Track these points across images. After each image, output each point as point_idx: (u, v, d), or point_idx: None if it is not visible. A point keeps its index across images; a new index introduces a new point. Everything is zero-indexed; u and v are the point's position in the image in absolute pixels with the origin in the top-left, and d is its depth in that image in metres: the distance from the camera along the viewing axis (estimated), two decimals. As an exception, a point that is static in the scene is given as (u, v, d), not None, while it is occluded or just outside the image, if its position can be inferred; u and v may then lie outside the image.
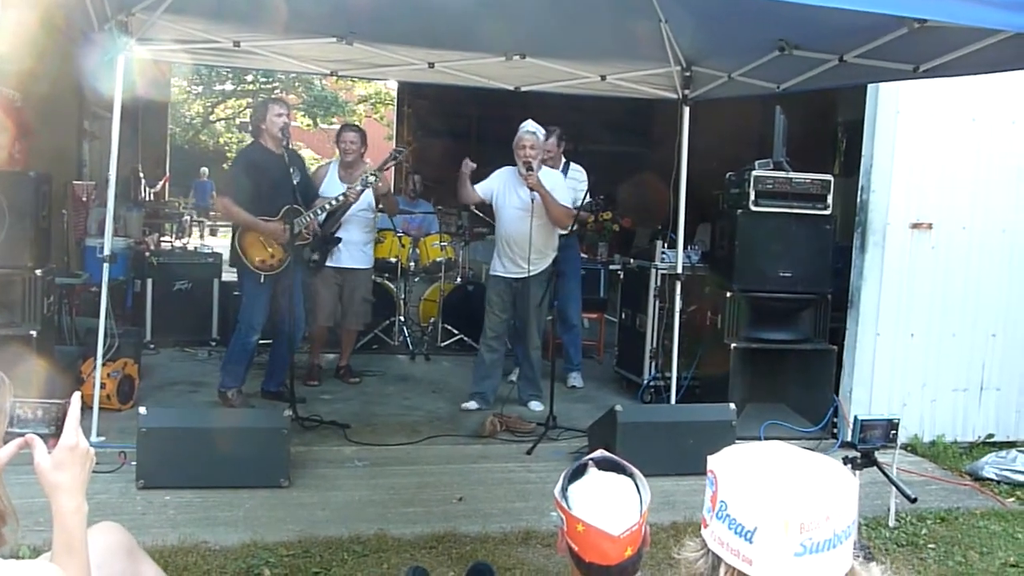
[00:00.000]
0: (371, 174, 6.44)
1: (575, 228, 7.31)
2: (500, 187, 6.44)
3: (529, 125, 6.24)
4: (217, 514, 4.39)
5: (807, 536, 1.27)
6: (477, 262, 9.37)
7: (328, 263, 6.76)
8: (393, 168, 9.61)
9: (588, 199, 6.47)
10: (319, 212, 6.30)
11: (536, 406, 6.51)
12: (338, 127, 7.90)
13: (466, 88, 6.71)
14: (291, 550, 3.98)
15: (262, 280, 6.06)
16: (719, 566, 1.33)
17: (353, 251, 6.93)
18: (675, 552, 1.42)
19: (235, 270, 6.34)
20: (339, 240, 6.70)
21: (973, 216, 6.23)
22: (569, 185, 6.78)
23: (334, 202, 6.37)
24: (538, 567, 3.96)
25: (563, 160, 7.12)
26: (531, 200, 6.12)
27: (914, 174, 6.11)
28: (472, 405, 6.57)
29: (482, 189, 6.48)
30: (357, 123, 8.86)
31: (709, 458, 1.40)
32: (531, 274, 6.31)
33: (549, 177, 6.32)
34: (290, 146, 6.27)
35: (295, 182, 5.98)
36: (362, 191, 6.43)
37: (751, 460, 1.37)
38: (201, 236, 12.69)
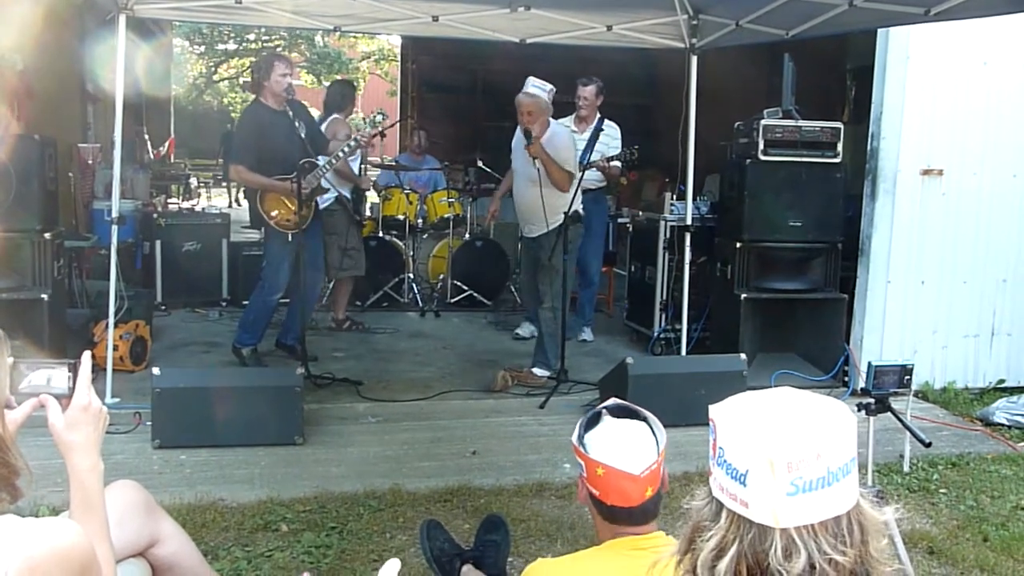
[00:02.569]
0: (379, 112, 6.69)
1: (606, 184, 7.30)
2: (515, 149, 6.31)
3: (528, 86, 5.99)
4: (233, 472, 4.43)
5: (797, 475, 1.27)
6: (485, 218, 9.34)
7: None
8: (398, 125, 9.55)
9: (623, 153, 6.46)
10: (333, 162, 6.27)
11: (539, 372, 6.22)
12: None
13: (471, 42, 6.63)
14: (307, 506, 4.02)
15: (290, 239, 6.04)
16: (721, 511, 1.34)
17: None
18: (684, 503, 1.43)
19: (260, 232, 6.38)
20: (368, 188, 6.76)
21: (984, 162, 6.17)
22: (603, 141, 6.70)
23: (347, 148, 6.32)
24: (552, 518, 4.00)
25: (597, 115, 6.94)
26: (536, 169, 5.93)
27: (924, 120, 6.05)
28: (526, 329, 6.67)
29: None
30: (350, 80, 8.96)
31: (711, 407, 1.40)
32: (543, 233, 6.13)
33: (553, 138, 6.03)
34: (300, 102, 6.25)
35: (302, 135, 5.96)
36: (372, 132, 6.71)
37: (747, 405, 1.37)
38: (209, 198, 12.67)
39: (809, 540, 1.26)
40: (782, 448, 1.28)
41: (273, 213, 6.03)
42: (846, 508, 1.30)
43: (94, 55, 8.66)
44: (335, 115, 7.32)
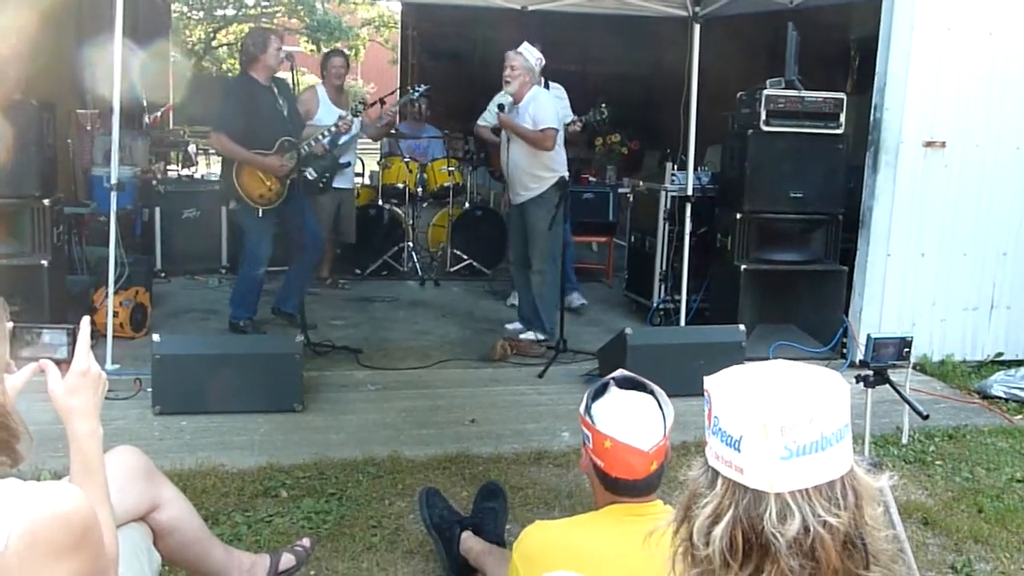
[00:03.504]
0: (359, 102, 6.90)
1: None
2: (490, 116, 6.48)
3: (520, 46, 6.15)
4: (233, 438, 4.45)
5: (790, 439, 1.28)
6: (485, 187, 9.32)
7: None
8: (397, 93, 9.49)
9: (591, 115, 6.47)
10: (312, 144, 6.35)
11: (527, 335, 6.28)
12: (335, 54, 7.99)
13: (471, 8, 6.60)
14: (307, 472, 4.05)
15: (260, 215, 6.05)
16: (716, 479, 1.35)
17: (342, 173, 7.32)
18: (681, 475, 1.44)
19: (234, 204, 6.38)
20: (349, 164, 6.77)
21: (987, 134, 6.14)
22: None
23: (326, 132, 6.51)
24: (550, 486, 4.03)
25: (542, 79, 6.98)
26: (506, 136, 6.20)
27: (928, 91, 6.01)
28: (514, 327, 6.56)
29: (485, 121, 6.52)
30: (344, 50, 8.99)
31: (705, 378, 1.41)
32: (527, 199, 6.24)
33: (535, 97, 6.17)
34: (294, 71, 6.25)
35: (284, 113, 6.02)
36: (352, 120, 6.74)
37: (741, 375, 1.39)
38: (208, 165, 12.60)
39: (803, 504, 1.28)
40: (775, 412, 1.29)
41: (248, 188, 6.02)
42: (840, 473, 1.31)
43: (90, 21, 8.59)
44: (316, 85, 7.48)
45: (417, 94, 7.02)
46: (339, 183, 7.26)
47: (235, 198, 6.13)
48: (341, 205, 7.58)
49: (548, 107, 6.18)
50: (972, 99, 6.07)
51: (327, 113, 7.08)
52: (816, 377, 1.36)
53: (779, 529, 1.27)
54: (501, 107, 6.14)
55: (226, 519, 3.57)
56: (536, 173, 6.16)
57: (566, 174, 6.21)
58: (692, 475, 1.41)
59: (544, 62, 6.25)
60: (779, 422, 1.28)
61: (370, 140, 8.34)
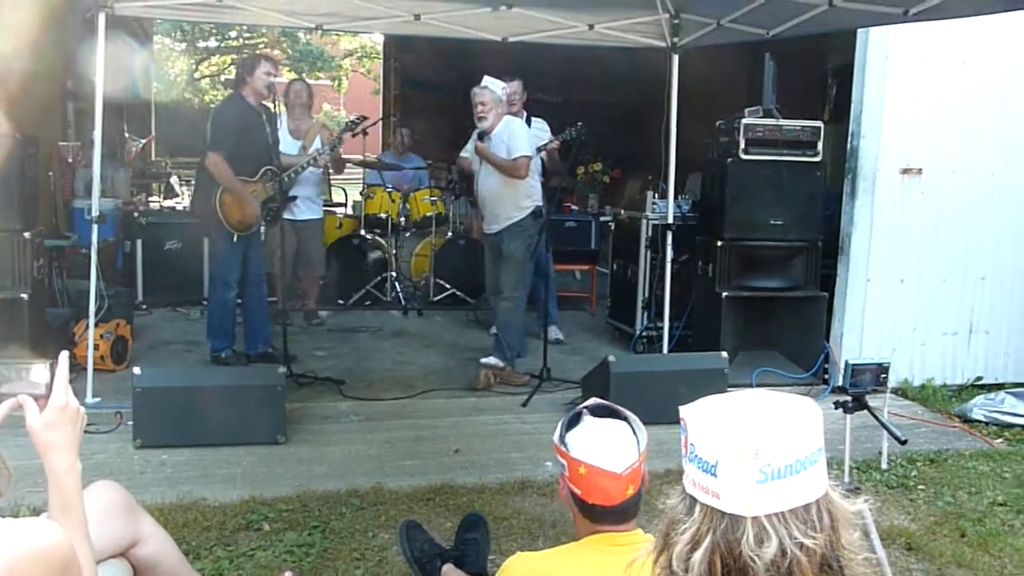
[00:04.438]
0: (339, 138, 6.91)
1: (544, 180, 7.31)
2: (471, 150, 6.49)
3: (483, 80, 6.22)
4: (215, 471, 4.42)
5: (764, 462, 1.30)
6: (467, 216, 9.34)
7: (284, 216, 6.66)
8: (380, 123, 9.55)
9: (568, 132, 6.56)
10: (292, 176, 6.37)
11: (493, 361, 6.13)
12: (296, 80, 7.99)
13: (453, 40, 6.64)
14: (289, 505, 4.02)
15: (235, 240, 6.05)
16: (694, 506, 1.36)
17: (307, 204, 7.21)
18: (660, 503, 1.46)
19: (205, 227, 6.36)
20: (295, 198, 6.71)
21: (963, 160, 6.22)
22: (533, 135, 6.91)
23: (306, 164, 6.53)
24: (534, 516, 4.02)
25: (524, 114, 7.09)
26: (480, 165, 6.28)
27: (904, 119, 6.09)
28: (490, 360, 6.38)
29: (468, 152, 6.58)
30: (306, 80, 9.04)
31: (681, 408, 1.44)
32: (503, 228, 6.23)
33: (508, 126, 6.21)
34: (274, 102, 6.22)
35: (270, 141, 6.04)
36: (331, 154, 6.75)
37: (715, 402, 1.41)
38: (190, 196, 12.60)
39: (780, 527, 1.29)
40: (749, 436, 1.31)
41: (228, 213, 6.00)
42: (815, 496, 1.33)
43: (76, 53, 8.61)
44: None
45: (339, 141, 6.90)
46: (303, 214, 7.14)
47: (213, 221, 6.06)
48: (300, 237, 7.24)
49: (521, 135, 6.22)
50: (947, 126, 6.16)
51: (284, 143, 6.76)
52: (789, 402, 1.38)
53: (757, 552, 1.28)
54: (481, 136, 6.17)
55: (208, 554, 3.54)
56: (512, 202, 6.19)
57: (542, 204, 6.24)
58: (670, 503, 1.42)
59: (507, 89, 6.32)
60: (754, 446, 1.30)
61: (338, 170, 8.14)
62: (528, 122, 7.09)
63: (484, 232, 6.58)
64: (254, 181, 6.04)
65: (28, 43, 7.02)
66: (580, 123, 6.75)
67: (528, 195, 6.23)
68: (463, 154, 6.89)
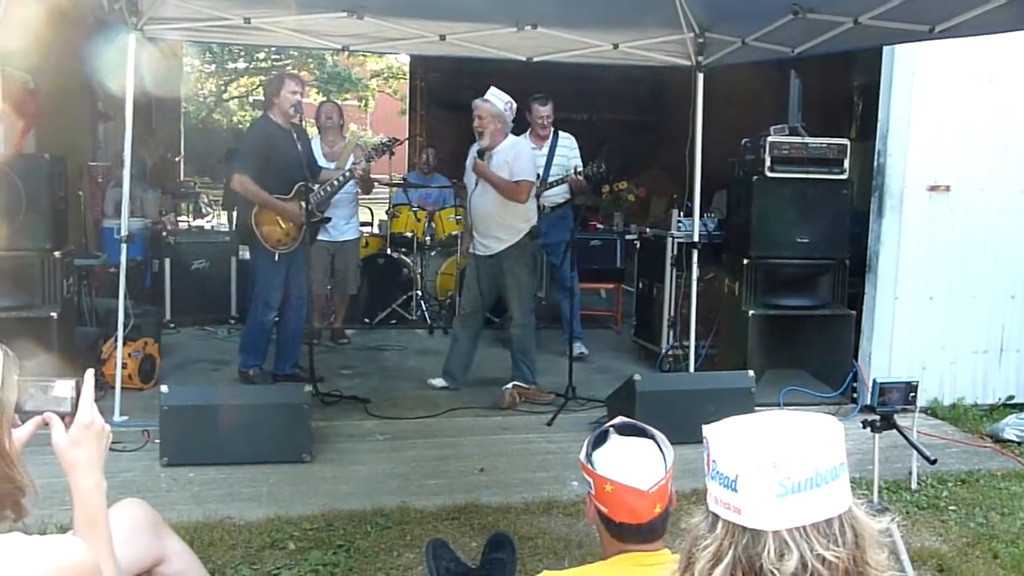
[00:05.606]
0: (373, 149, 6.78)
1: (570, 198, 7.33)
2: (467, 168, 6.26)
3: (487, 93, 6.06)
4: (241, 490, 4.44)
5: (784, 475, 1.30)
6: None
7: (320, 237, 6.78)
8: (406, 143, 9.61)
9: (590, 168, 6.56)
10: (328, 189, 6.36)
11: (507, 387, 6.13)
12: (325, 102, 8.04)
13: (478, 60, 6.67)
14: (315, 524, 4.03)
15: (276, 259, 6.06)
16: (717, 523, 1.37)
17: (342, 225, 7.28)
18: (683, 523, 1.46)
19: (247, 248, 6.37)
20: (329, 219, 6.69)
21: (991, 177, 6.17)
22: (561, 154, 7.08)
23: (342, 178, 6.49)
24: (560, 536, 4.00)
25: (551, 129, 7.16)
26: (475, 184, 6.08)
27: (931, 136, 6.05)
28: (438, 382, 6.37)
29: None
30: (336, 101, 9.18)
31: (704, 427, 1.45)
32: (501, 250, 6.09)
33: (515, 147, 6.09)
34: (302, 122, 6.27)
35: (302, 159, 6.03)
36: (367, 166, 6.66)
37: (737, 421, 1.42)
38: (218, 216, 12.70)
39: (801, 541, 1.29)
40: (768, 448, 1.32)
41: (266, 230, 6.02)
42: (838, 511, 1.32)
43: (105, 73, 8.73)
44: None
45: (387, 148, 6.90)
46: (338, 235, 7.26)
47: (252, 241, 6.11)
48: (336, 256, 7.41)
49: (527, 159, 6.12)
50: (974, 144, 6.11)
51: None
52: (809, 418, 1.39)
53: (777, 566, 1.28)
54: (480, 153, 5.99)
55: (233, 572, 3.55)
56: (510, 224, 6.06)
57: (536, 224, 6.20)
58: (693, 522, 1.43)
59: (512, 103, 6.14)
60: (772, 458, 1.31)
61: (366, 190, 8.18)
62: (555, 137, 7.11)
63: (474, 253, 6.30)
64: (289, 198, 6.05)
65: (58, 64, 7.13)
66: (600, 159, 6.81)
67: (526, 217, 6.11)
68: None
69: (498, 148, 6.01)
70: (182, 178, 14.57)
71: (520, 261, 6.11)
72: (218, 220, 11.12)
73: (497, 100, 6.02)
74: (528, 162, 6.14)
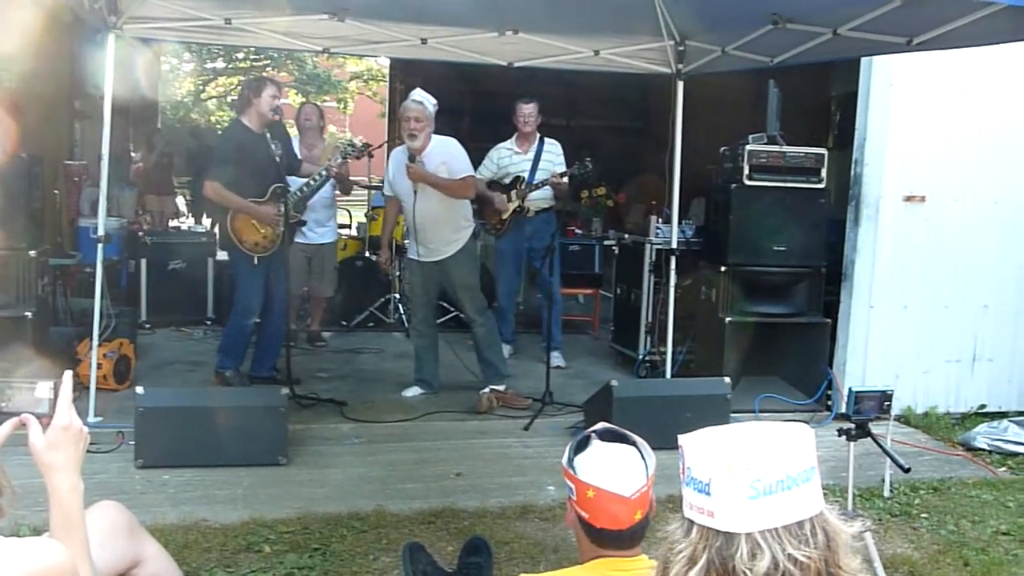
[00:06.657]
0: (349, 145, 6.79)
1: (555, 204, 7.35)
2: (392, 173, 6.15)
3: (415, 94, 5.93)
4: (216, 492, 4.41)
5: (755, 477, 1.32)
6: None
7: (297, 240, 6.74)
8: (385, 146, 9.61)
9: (575, 168, 6.56)
10: (304, 190, 6.31)
11: (498, 387, 6.18)
12: (305, 104, 8.00)
13: (459, 64, 6.68)
14: (290, 527, 4.01)
15: (256, 262, 6.04)
16: (692, 528, 1.39)
17: (319, 227, 7.27)
18: (660, 531, 1.48)
19: (226, 253, 6.33)
20: (304, 223, 6.60)
21: (965, 189, 6.24)
22: (547, 159, 7.07)
23: (318, 177, 6.35)
24: (536, 540, 4.00)
25: (537, 135, 7.16)
26: (414, 189, 5.86)
27: (907, 147, 6.12)
28: (412, 392, 6.34)
29: (386, 188, 6.35)
30: (317, 103, 9.18)
31: (679, 436, 1.48)
32: (450, 254, 6.05)
33: (447, 146, 5.96)
34: (281, 120, 6.21)
35: (277, 159, 5.95)
36: (343, 163, 6.47)
37: (710, 430, 1.45)
38: (194, 216, 12.66)
39: (773, 542, 1.32)
40: (739, 452, 1.35)
41: (243, 236, 6.00)
42: (809, 514, 1.35)
43: (82, 72, 8.67)
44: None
45: (351, 148, 6.83)
46: (316, 238, 7.26)
47: (230, 247, 6.09)
48: (313, 259, 7.41)
49: (462, 155, 6.02)
50: (950, 155, 6.18)
51: None
52: (779, 425, 1.42)
53: (749, 566, 1.31)
54: (412, 158, 5.83)
55: (208, 575, 3.53)
56: (454, 225, 6.04)
57: (476, 225, 6.24)
58: (670, 529, 1.45)
59: (436, 104, 5.95)
60: (744, 460, 1.33)
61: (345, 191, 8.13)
62: (541, 143, 7.11)
63: (418, 260, 6.15)
64: (265, 201, 6.02)
65: (35, 62, 7.08)
66: (588, 158, 6.83)
67: (467, 217, 6.15)
68: (478, 175, 6.71)
69: (428, 151, 5.87)
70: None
71: (467, 263, 6.16)
72: (194, 221, 11.06)
73: (428, 102, 5.88)
74: (466, 158, 6.03)
